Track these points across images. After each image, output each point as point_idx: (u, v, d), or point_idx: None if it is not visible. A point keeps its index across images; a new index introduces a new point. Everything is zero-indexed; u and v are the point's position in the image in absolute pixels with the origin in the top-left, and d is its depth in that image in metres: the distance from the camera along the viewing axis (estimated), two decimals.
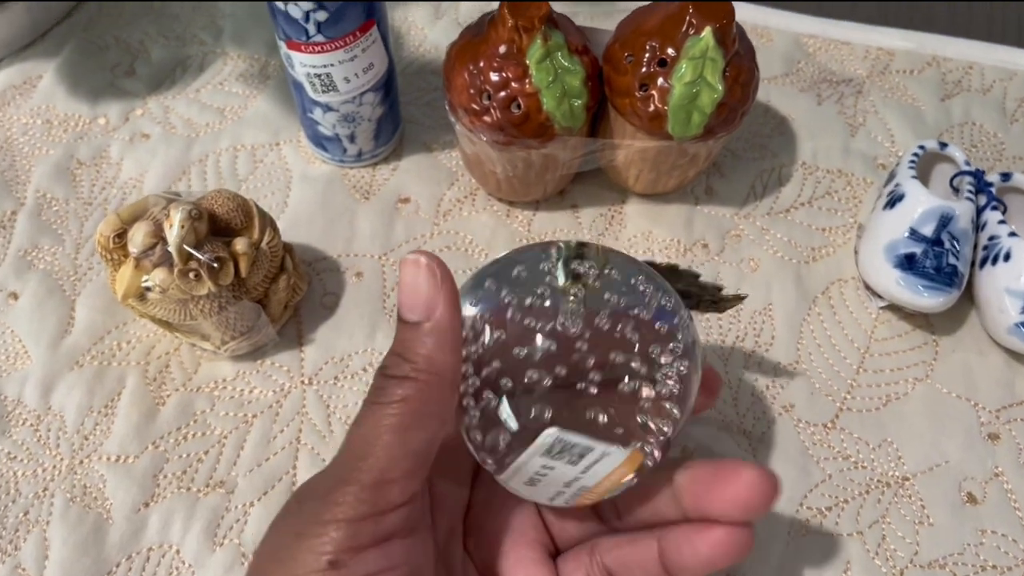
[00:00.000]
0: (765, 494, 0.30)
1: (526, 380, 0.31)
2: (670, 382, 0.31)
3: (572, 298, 0.32)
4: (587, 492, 0.32)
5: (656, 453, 0.31)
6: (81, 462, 0.45)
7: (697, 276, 0.36)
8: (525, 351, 0.31)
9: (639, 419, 0.31)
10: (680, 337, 0.32)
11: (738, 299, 0.38)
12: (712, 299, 0.37)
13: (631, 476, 0.31)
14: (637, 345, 0.31)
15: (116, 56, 0.59)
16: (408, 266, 0.30)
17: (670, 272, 0.35)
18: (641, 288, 0.32)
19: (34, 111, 0.56)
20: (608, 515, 0.36)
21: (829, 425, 0.47)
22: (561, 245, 0.33)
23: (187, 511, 0.43)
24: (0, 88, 0.57)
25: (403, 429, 0.29)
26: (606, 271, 0.33)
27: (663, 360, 0.31)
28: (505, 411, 0.30)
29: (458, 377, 0.30)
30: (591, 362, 0.31)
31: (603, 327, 0.31)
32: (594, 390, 0.31)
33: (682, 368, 0.32)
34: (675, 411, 0.31)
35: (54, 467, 0.45)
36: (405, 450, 0.29)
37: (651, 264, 0.34)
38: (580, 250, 0.33)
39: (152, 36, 0.60)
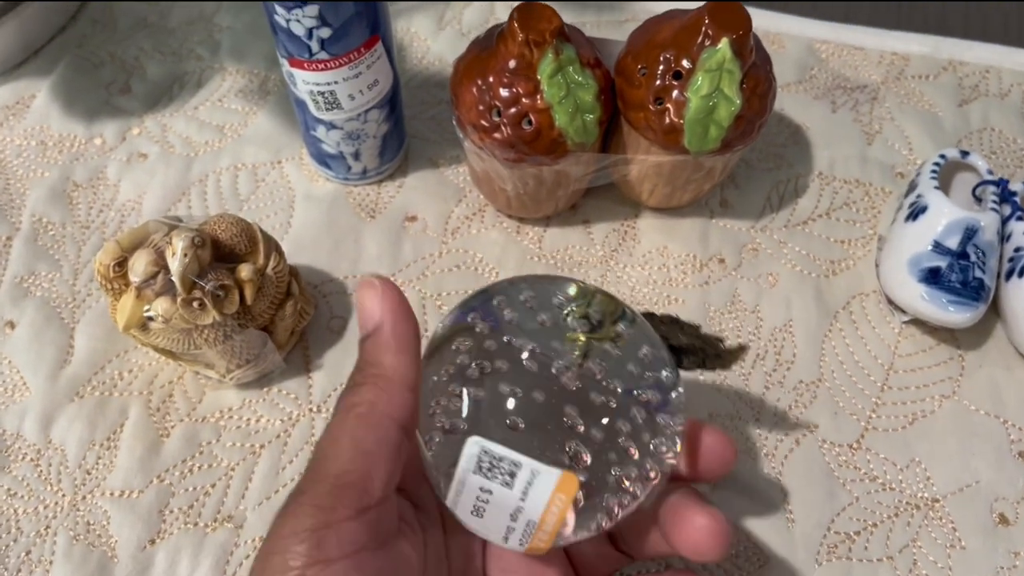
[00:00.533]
0: (715, 541, 0.31)
1: (498, 406, 0.31)
2: (647, 465, 0.31)
3: (576, 351, 0.31)
4: (538, 531, 0.31)
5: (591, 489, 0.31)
6: (84, 498, 0.43)
7: (698, 328, 0.35)
8: (508, 387, 0.31)
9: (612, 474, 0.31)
10: (669, 422, 0.32)
11: (742, 350, 0.36)
12: (716, 353, 0.36)
13: (572, 515, 0.30)
14: (627, 423, 0.31)
15: (111, 73, 0.58)
16: (359, 290, 0.31)
17: (672, 324, 0.34)
18: (645, 359, 0.32)
19: (28, 132, 0.55)
20: (625, 544, 0.36)
21: (855, 445, 0.45)
22: (574, 290, 0.33)
23: (194, 548, 0.42)
24: None
25: (355, 431, 0.29)
26: (618, 328, 0.32)
27: (645, 442, 0.31)
28: (465, 408, 0.31)
29: (412, 379, 0.31)
30: (575, 412, 0.31)
31: (595, 391, 0.31)
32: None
33: (663, 450, 0.31)
34: (637, 490, 0.31)
35: (56, 503, 0.43)
36: (357, 451, 0.28)
37: (651, 316, 0.34)
38: (592, 298, 0.33)
39: (148, 52, 0.59)
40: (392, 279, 0.49)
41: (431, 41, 0.60)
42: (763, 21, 0.60)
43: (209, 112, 0.56)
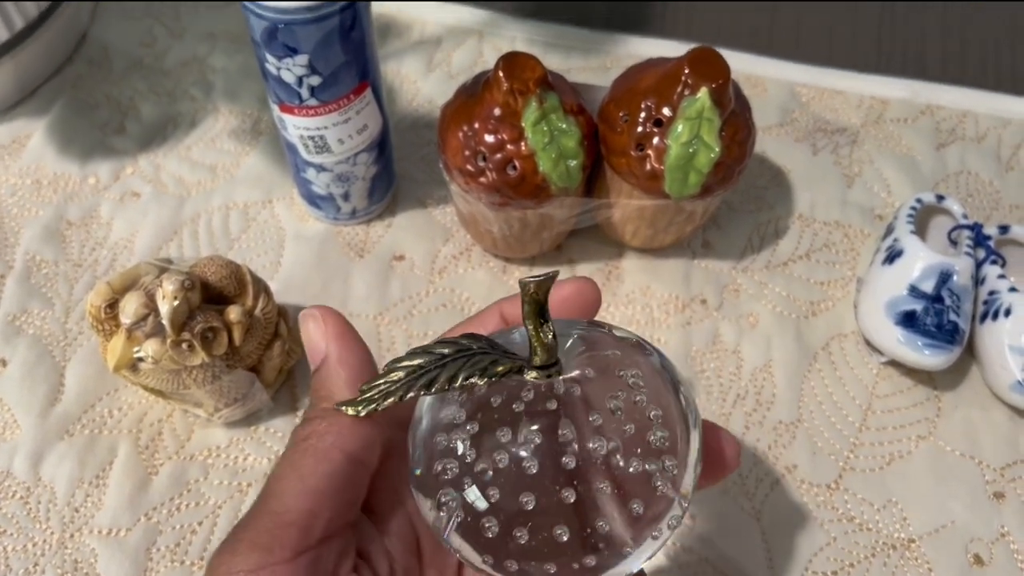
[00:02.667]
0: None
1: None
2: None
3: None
4: None
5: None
6: (72, 536, 0.44)
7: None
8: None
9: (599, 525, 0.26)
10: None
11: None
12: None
13: None
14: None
15: (106, 114, 0.59)
16: (300, 323, 0.31)
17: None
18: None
19: (23, 171, 0.56)
20: None
21: (833, 486, 0.46)
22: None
23: None
24: None
25: (303, 467, 0.27)
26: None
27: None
28: (473, 493, 0.26)
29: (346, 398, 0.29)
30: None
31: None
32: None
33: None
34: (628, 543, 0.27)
35: (44, 541, 0.44)
36: (303, 487, 0.27)
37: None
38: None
39: (142, 92, 0.60)
40: (378, 317, 0.50)
41: (421, 83, 0.61)
42: (745, 65, 0.61)
43: (202, 152, 0.57)
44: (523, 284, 0.25)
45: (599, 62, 0.62)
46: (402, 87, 0.61)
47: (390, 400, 0.27)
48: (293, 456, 0.28)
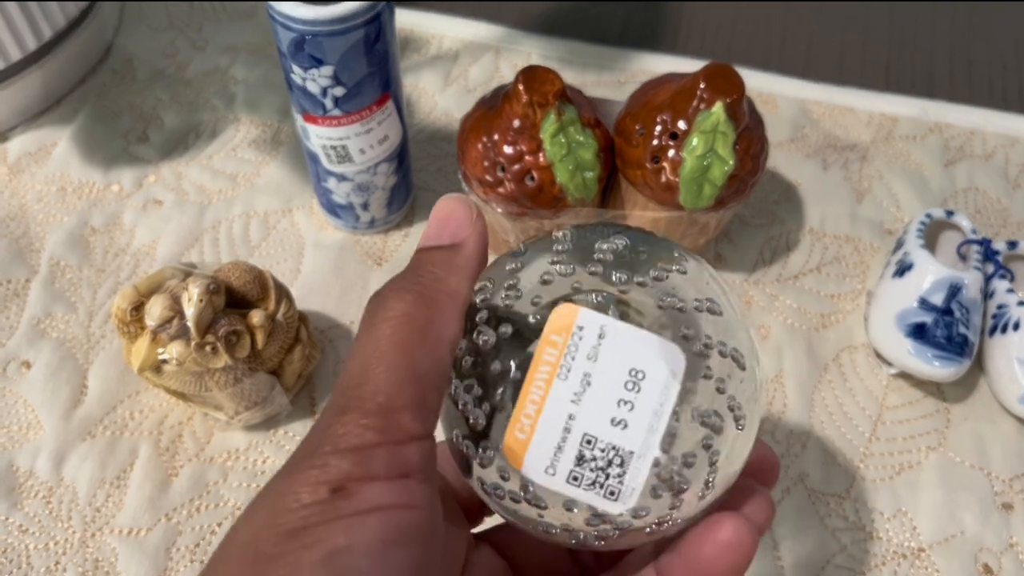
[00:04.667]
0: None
1: None
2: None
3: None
4: None
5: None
6: (93, 535, 0.44)
7: None
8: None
9: None
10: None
11: None
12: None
13: None
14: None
15: (130, 122, 0.60)
16: (443, 200, 0.27)
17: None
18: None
19: (49, 178, 0.57)
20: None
21: (843, 495, 0.47)
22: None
23: None
24: (15, 156, 0.58)
25: (406, 348, 0.23)
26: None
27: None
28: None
29: (465, 304, 0.25)
30: None
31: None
32: None
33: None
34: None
35: (66, 540, 0.44)
36: (411, 373, 0.23)
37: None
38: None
39: (165, 102, 0.61)
40: None
41: (438, 96, 0.62)
42: (758, 82, 0.62)
43: (223, 161, 0.58)
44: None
45: (613, 78, 0.63)
46: (420, 100, 0.62)
47: None
48: (395, 335, 0.24)
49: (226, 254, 0.54)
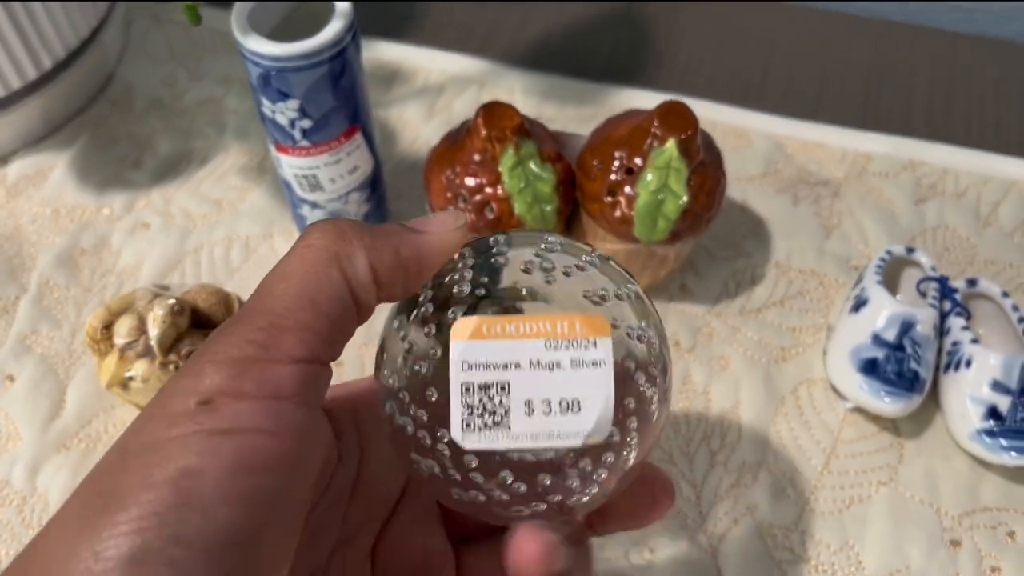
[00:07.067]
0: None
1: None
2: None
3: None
4: None
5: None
6: None
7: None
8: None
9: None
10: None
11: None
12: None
13: None
14: None
15: (125, 149, 0.63)
16: (442, 213, 0.28)
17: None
18: None
19: (44, 201, 0.60)
20: None
21: (791, 527, 0.47)
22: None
23: None
24: (13, 179, 0.61)
25: (307, 274, 0.25)
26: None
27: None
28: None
29: (396, 290, 0.27)
30: None
31: None
32: None
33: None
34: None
35: None
36: (306, 298, 0.24)
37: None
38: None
39: (160, 130, 0.64)
40: (363, 347, 0.53)
41: (422, 127, 0.64)
42: (731, 117, 0.64)
43: (211, 187, 0.61)
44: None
45: (592, 112, 0.64)
46: (404, 130, 0.64)
47: None
48: (305, 259, 0.25)
49: (207, 276, 0.56)
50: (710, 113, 0.63)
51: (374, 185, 0.54)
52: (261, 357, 0.23)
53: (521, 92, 0.66)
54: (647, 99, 0.64)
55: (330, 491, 0.29)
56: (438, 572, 0.31)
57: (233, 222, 0.59)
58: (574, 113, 0.64)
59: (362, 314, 0.26)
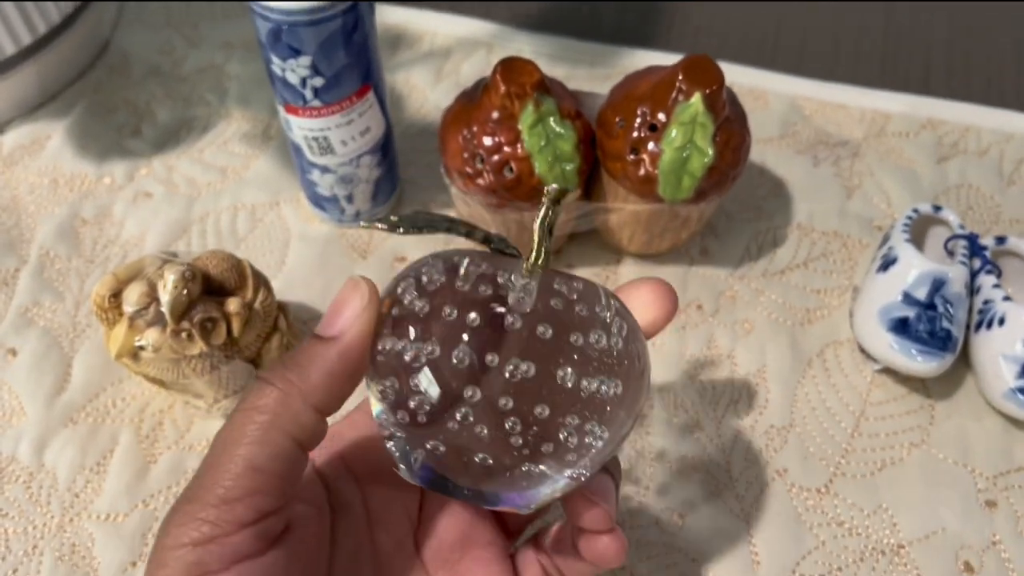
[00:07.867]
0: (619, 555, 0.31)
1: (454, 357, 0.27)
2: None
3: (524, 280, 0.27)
4: None
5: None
6: (71, 520, 0.45)
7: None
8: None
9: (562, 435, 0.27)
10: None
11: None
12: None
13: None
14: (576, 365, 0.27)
15: (124, 117, 0.61)
16: (343, 287, 0.28)
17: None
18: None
19: (42, 171, 0.58)
20: None
21: (823, 490, 0.46)
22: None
23: None
24: (9, 148, 0.59)
25: (252, 441, 0.27)
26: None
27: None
28: (425, 378, 0.27)
29: (330, 405, 0.28)
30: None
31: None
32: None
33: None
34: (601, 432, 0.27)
35: (44, 524, 0.45)
36: (250, 465, 0.27)
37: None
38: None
39: (159, 98, 0.62)
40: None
41: (429, 92, 0.62)
42: (748, 78, 0.62)
43: (213, 155, 0.59)
44: (547, 189, 0.27)
45: (604, 73, 0.63)
46: (411, 95, 0.62)
47: (427, 230, 0.27)
48: (244, 429, 0.27)
49: (213, 245, 0.54)
50: (726, 73, 0.61)
51: (385, 149, 0.52)
52: (217, 535, 0.26)
53: (531, 55, 0.64)
54: (660, 60, 0.62)
55: (342, 542, 0.32)
56: (484, 548, 0.34)
57: (238, 190, 0.57)
58: (586, 74, 0.63)
59: (314, 445, 0.29)
